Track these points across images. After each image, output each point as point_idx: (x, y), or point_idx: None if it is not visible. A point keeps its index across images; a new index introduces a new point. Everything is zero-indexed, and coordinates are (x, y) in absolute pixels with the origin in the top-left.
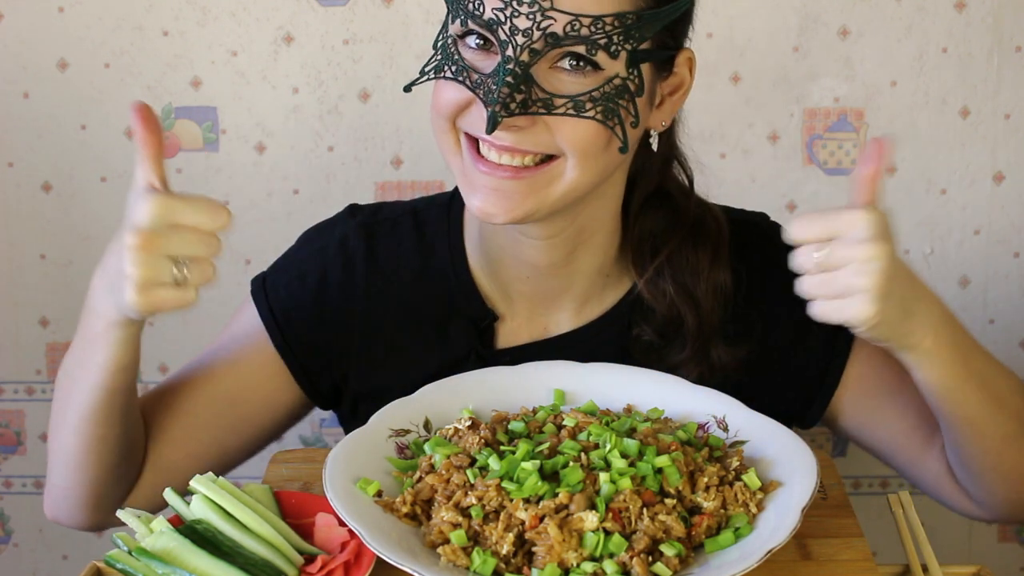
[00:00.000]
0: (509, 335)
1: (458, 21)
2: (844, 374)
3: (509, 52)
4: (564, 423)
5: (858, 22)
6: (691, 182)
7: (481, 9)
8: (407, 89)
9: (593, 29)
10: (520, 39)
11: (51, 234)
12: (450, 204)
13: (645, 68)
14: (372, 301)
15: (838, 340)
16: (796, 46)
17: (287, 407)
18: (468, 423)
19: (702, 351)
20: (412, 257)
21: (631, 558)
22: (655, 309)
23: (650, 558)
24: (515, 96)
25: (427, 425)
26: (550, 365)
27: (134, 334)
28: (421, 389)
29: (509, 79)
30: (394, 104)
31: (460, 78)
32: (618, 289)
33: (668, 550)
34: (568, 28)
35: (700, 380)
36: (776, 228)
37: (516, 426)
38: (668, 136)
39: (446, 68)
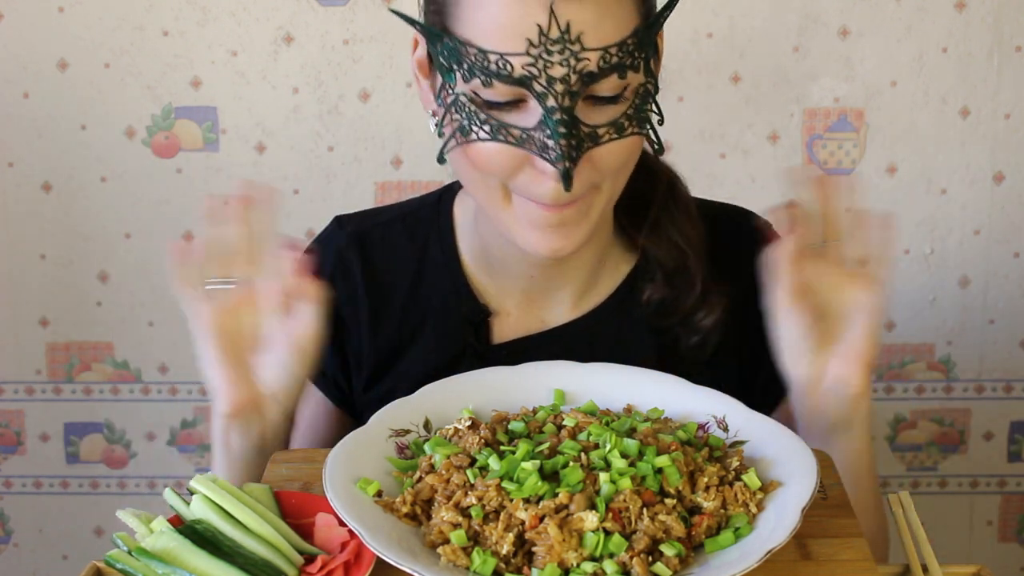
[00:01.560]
0: (506, 330)
1: (476, 80)
2: None
3: (551, 103)
4: (564, 423)
5: (858, 22)
6: (659, 142)
7: (508, 68)
8: (440, 160)
9: (620, 55)
10: (559, 87)
11: (51, 234)
12: (439, 204)
13: (652, 63)
14: (373, 310)
15: None
16: (796, 46)
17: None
18: (468, 423)
19: (709, 291)
20: (406, 261)
21: (631, 558)
22: (660, 263)
23: (650, 558)
24: (572, 143)
25: (427, 425)
26: (550, 365)
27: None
28: (421, 389)
29: (562, 129)
30: (394, 104)
31: (500, 137)
32: (614, 278)
33: (668, 550)
34: (601, 63)
35: (717, 324)
36: (748, 213)
37: (516, 426)
38: None
39: (476, 129)
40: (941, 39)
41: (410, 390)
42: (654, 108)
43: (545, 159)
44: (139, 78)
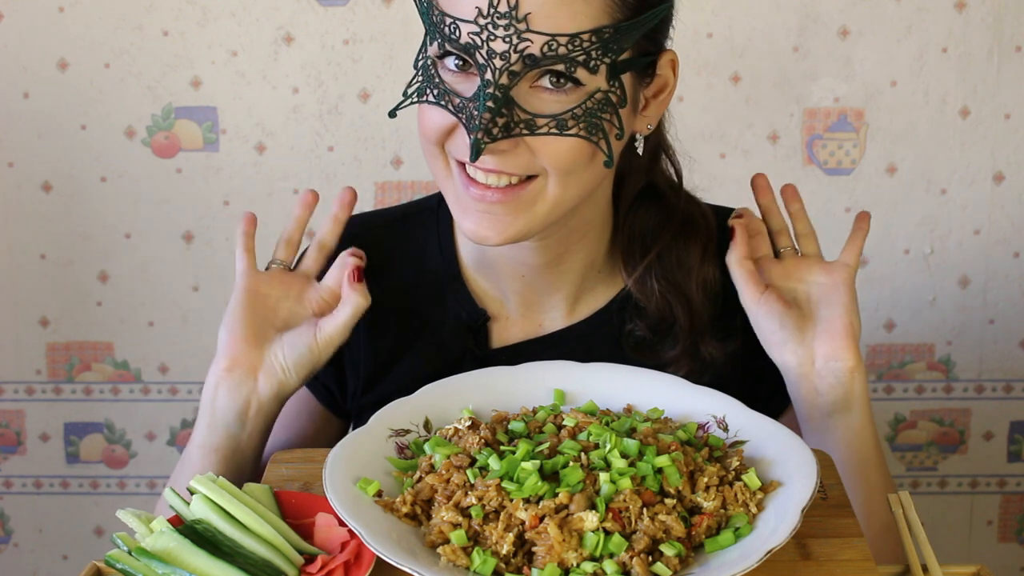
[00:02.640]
0: (503, 334)
1: (435, 43)
2: None
3: (488, 76)
4: (564, 423)
5: (858, 22)
6: (680, 176)
7: (457, 33)
8: (392, 114)
9: (571, 47)
10: (498, 62)
11: (51, 234)
12: (438, 208)
13: (626, 78)
14: (373, 312)
15: None
16: (796, 46)
17: (338, 432)
18: (468, 423)
19: (693, 348)
20: (405, 264)
21: (631, 558)
22: (645, 306)
23: (650, 558)
24: (497, 120)
25: (427, 425)
26: (550, 365)
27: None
28: (421, 389)
29: (490, 104)
30: (394, 104)
31: (443, 102)
32: (612, 286)
33: (668, 550)
34: (545, 48)
35: (690, 376)
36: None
37: (516, 426)
38: (655, 132)
39: (428, 91)
40: (941, 39)
41: (409, 393)
42: (615, 122)
43: (465, 127)
44: (139, 78)
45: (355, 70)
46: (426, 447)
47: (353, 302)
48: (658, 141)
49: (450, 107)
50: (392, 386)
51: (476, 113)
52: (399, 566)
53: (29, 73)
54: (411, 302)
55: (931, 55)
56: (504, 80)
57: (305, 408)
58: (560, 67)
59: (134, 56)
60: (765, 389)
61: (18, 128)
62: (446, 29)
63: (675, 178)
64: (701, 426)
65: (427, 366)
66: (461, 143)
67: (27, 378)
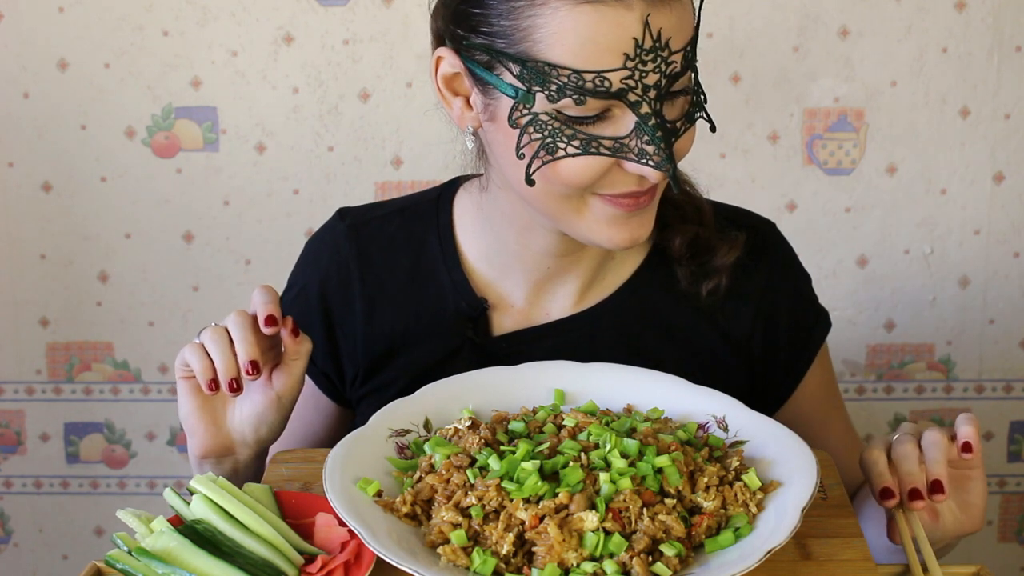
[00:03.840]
0: (507, 322)
1: (565, 99)
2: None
3: (646, 109)
4: (564, 423)
5: (858, 22)
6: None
7: (606, 84)
8: (530, 183)
9: (691, 49)
10: (652, 94)
11: (51, 234)
12: (438, 200)
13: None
14: (370, 302)
15: (811, 340)
16: (796, 46)
17: (344, 422)
18: (468, 423)
19: (710, 253)
20: (403, 255)
21: (631, 558)
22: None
23: (650, 558)
24: (668, 142)
25: (427, 425)
26: (550, 365)
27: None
28: (421, 389)
29: (659, 134)
30: (394, 104)
31: (592, 150)
32: (619, 274)
33: (668, 550)
34: (683, 62)
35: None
36: (771, 225)
37: (516, 426)
38: None
39: (563, 146)
40: (941, 39)
41: (408, 382)
42: (705, 114)
43: (647, 165)
44: (139, 78)
45: (355, 70)
46: (426, 447)
47: (304, 353)
48: None
49: (602, 151)
50: (393, 373)
51: (651, 149)
52: (399, 566)
53: (29, 73)
54: (409, 293)
55: (931, 55)
56: (658, 107)
57: (311, 397)
58: (688, 73)
59: (134, 56)
60: (773, 392)
61: (18, 128)
62: (588, 84)
63: None
64: (701, 426)
65: (427, 354)
66: (624, 178)
67: (27, 378)
